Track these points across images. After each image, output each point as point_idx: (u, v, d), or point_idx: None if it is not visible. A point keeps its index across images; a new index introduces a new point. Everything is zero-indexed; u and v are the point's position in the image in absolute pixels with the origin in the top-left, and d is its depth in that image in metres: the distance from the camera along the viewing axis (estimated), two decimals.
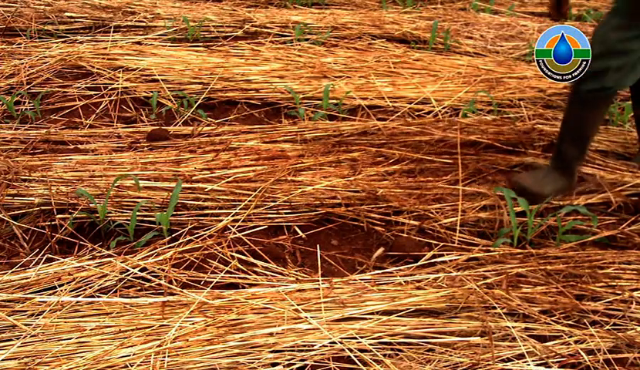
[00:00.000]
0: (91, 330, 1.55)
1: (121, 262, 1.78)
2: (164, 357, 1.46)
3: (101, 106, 2.76)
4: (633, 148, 2.48)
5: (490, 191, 2.14)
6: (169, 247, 1.87)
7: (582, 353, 1.53)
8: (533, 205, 2.00)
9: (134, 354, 1.47)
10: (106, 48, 3.19)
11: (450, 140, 2.47)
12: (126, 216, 1.98)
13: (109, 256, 1.83)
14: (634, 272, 1.82)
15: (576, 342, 1.57)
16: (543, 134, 2.53)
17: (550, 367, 1.50)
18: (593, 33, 1.94)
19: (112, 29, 3.50)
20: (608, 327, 1.63)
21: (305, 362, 1.48)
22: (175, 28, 3.51)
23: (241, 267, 1.81)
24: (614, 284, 1.77)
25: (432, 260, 1.86)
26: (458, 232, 1.98)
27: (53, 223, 1.98)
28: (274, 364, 1.48)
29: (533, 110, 2.83)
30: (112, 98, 2.81)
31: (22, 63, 3.04)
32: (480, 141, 2.44)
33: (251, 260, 1.85)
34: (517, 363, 1.50)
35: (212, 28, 3.57)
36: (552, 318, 1.64)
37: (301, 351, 1.50)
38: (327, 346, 1.51)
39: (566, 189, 2.14)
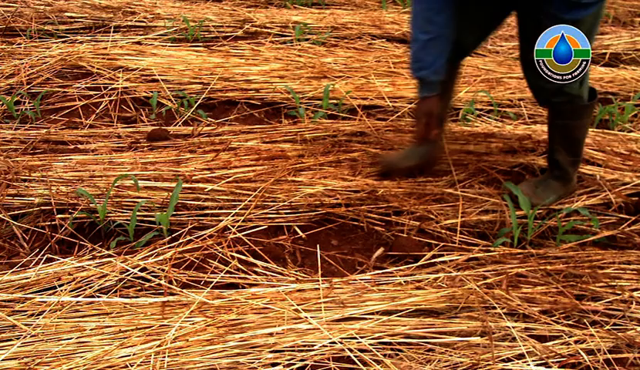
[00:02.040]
0: (91, 330, 1.55)
1: (121, 262, 1.78)
2: (164, 357, 1.46)
3: (101, 106, 2.76)
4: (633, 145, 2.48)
5: (492, 191, 2.14)
6: (169, 247, 1.87)
7: (582, 353, 1.53)
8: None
9: (134, 354, 1.47)
10: (106, 48, 3.19)
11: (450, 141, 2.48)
12: (126, 216, 1.98)
13: (109, 256, 1.83)
14: (634, 272, 1.82)
15: (576, 342, 1.57)
16: (540, 139, 2.53)
17: (550, 367, 1.50)
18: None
19: (112, 29, 3.50)
20: (608, 327, 1.63)
21: (305, 362, 1.48)
22: (175, 28, 3.51)
23: (241, 267, 1.81)
24: (614, 284, 1.77)
25: (432, 260, 1.86)
26: (458, 233, 1.98)
27: (53, 223, 1.98)
28: (274, 364, 1.48)
29: (533, 110, 2.83)
30: (112, 98, 2.81)
31: (22, 63, 3.04)
32: (477, 151, 2.44)
33: (251, 260, 1.85)
34: (517, 363, 1.50)
35: (212, 28, 3.57)
36: (552, 318, 1.64)
37: (301, 351, 1.50)
38: (327, 346, 1.51)
39: (567, 194, 2.15)
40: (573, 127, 2.04)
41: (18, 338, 1.52)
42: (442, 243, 1.94)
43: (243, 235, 1.94)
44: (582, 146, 2.12)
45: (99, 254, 1.84)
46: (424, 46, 1.87)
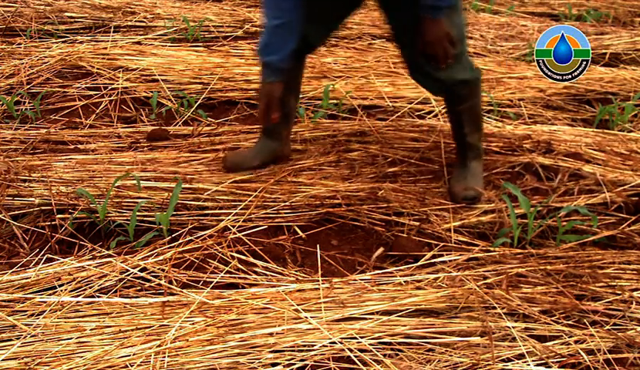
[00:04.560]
0: (91, 330, 1.55)
1: (121, 262, 1.78)
2: (164, 357, 1.46)
3: (101, 106, 2.76)
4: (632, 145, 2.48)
5: (491, 192, 2.14)
6: (169, 247, 1.87)
7: (582, 353, 1.53)
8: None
9: (134, 354, 1.47)
10: (106, 48, 3.19)
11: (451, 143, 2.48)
12: (126, 217, 1.98)
13: (109, 256, 1.83)
14: (634, 272, 1.82)
15: (576, 342, 1.57)
16: (540, 139, 2.53)
17: (550, 367, 1.50)
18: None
19: (112, 29, 3.50)
20: (608, 327, 1.63)
21: (305, 362, 1.48)
22: (175, 28, 3.51)
23: (241, 267, 1.81)
24: (614, 284, 1.77)
25: (432, 260, 1.86)
26: (453, 231, 1.98)
27: (53, 223, 1.98)
28: (274, 364, 1.48)
29: (533, 110, 2.83)
30: (112, 98, 2.81)
31: (22, 63, 3.04)
32: None
33: (251, 260, 1.85)
34: (517, 363, 1.50)
35: (212, 28, 3.57)
36: (552, 318, 1.64)
37: (301, 351, 1.50)
38: (327, 346, 1.51)
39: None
40: (476, 104, 2.14)
41: (18, 338, 1.52)
42: (442, 243, 1.94)
43: (243, 235, 1.93)
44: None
45: (99, 254, 1.84)
46: (274, 32, 1.92)
